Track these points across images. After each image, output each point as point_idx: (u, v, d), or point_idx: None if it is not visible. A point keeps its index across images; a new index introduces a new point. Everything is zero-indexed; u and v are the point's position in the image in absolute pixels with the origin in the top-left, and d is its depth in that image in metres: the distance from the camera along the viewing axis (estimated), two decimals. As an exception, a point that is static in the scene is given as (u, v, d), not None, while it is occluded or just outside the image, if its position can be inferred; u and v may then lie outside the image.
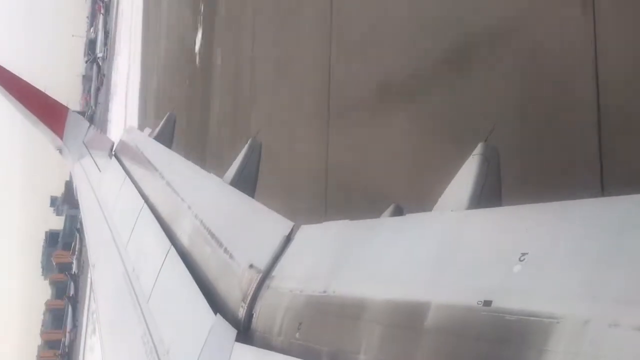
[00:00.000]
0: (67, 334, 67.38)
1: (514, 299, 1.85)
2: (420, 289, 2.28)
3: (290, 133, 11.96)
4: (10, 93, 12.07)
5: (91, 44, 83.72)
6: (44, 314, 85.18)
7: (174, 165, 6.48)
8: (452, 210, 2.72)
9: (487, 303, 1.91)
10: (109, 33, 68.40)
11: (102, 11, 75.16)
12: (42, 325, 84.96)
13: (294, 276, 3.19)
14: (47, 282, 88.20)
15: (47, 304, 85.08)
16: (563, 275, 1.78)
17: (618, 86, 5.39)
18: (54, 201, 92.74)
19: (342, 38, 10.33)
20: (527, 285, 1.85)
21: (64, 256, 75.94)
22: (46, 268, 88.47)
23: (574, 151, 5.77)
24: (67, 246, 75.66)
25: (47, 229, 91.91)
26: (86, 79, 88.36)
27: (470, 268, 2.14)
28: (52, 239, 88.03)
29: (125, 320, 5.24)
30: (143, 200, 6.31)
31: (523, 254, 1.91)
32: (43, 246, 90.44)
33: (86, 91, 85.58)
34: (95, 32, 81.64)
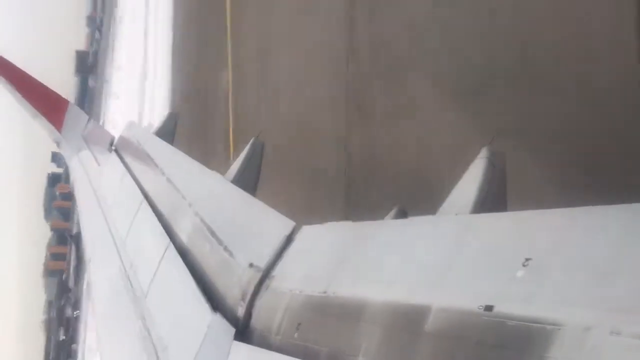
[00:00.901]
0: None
1: (516, 304, 1.85)
2: (421, 292, 2.28)
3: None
4: (9, 84, 12.05)
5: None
6: (50, 235, 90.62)
7: (175, 162, 6.47)
8: (456, 214, 2.73)
9: (489, 308, 1.91)
10: None
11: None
12: (48, 242, 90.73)
13: (294, 276, 3.19)
14: (49, 224, 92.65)
15: (51, 224, 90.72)
16: (566, 282, 1.78)
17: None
18: (54, 156, 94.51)
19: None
20: (529, 291, 1.85)
21: (66, 188, 78.85)
22: (48, 210, 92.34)
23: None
24: (69, 180, 78.18)
25: (49, 172, 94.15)
26: (91, 19, 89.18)
27: (472, 272, 2.14)
28: (53, 179, 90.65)
29: (123, 316, 5.22)
30: (142, 196, 6.28)
31: (527, 260, 1.92)
32: (45, 188, 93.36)
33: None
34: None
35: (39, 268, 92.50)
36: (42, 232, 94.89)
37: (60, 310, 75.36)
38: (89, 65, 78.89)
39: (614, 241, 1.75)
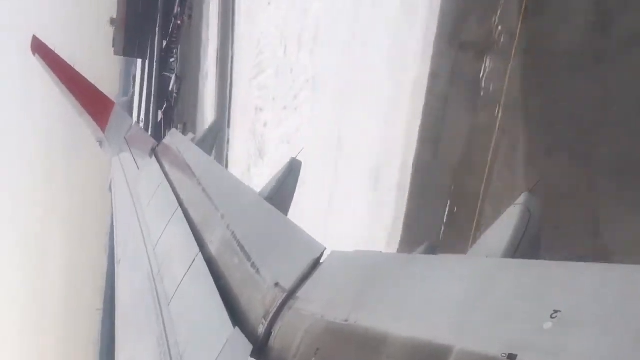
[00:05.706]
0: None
1: (541, 356, 1.81)
2: (444, 332, 2.25)
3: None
4: (61, 80, 12.48)
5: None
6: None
7: (213, 174, 6.57)
8: (487, 256, 2.69)
9: (512, 357, 1.87)
10: None
11: None
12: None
13: (318, 300, 3.18)
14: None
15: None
16: (595, 340, 1.73)
17: None
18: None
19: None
20: (555, 344, 1.80)
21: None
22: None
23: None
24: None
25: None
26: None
27: (498, 317, 2.10)
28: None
29: (144, 319, 5.27)
30: (178, 204, 6.39)
31: (555, 312, 1.88)
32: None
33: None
34: None
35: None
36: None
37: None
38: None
39: None
